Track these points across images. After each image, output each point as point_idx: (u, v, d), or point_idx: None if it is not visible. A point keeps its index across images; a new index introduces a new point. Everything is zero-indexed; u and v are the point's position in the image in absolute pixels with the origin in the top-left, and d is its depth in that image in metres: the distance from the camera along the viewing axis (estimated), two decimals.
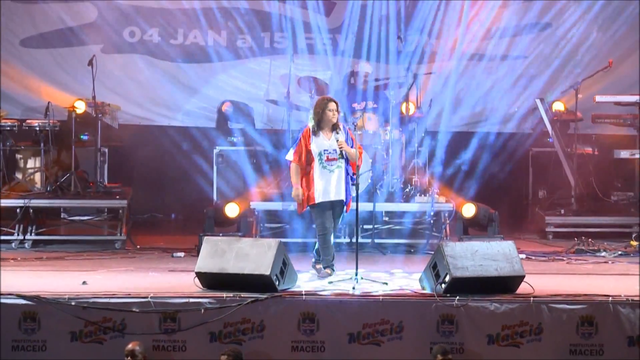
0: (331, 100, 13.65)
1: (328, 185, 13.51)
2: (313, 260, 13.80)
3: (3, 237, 15.74)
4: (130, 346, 11.87)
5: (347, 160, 13.51)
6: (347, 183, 13.56)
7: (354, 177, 13.45)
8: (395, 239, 15.70)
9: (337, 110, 13.57)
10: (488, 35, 18.45)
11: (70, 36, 18.41)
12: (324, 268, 13.58)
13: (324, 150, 13.50)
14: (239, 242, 12.92)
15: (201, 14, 18.39)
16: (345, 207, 13.64)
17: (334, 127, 13.55)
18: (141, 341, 11.97)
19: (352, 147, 13.51)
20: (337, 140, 13.48)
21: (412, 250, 15.34)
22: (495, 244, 12.95)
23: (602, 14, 18.13)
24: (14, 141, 16.98)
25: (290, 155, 13.53)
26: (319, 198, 13.49)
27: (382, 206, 15.71)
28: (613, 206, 17.41)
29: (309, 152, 13.46)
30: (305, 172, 13.57)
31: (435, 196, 16.06)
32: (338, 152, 13.46)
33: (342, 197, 13.51)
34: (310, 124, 13.57)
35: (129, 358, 11.84)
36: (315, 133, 13.51)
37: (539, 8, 18.42)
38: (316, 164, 13.52)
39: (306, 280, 13.24)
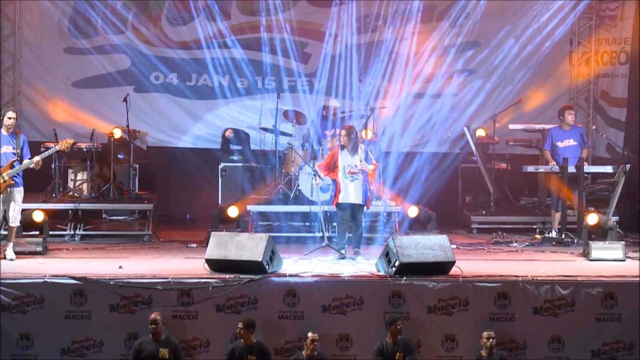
0: (342, 128, 14.46)
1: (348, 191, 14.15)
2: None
3: (58, 232, 15.68)
4: (153, 316, 11.91)
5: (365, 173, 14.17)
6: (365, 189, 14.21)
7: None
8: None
9: (348, 135, 14.17)
10: (427, 78, 18.42)
11: (110, 79, 18.31)
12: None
13: (347, 165, 14.07)
14: (238, 236, 12.94)
15: (209, 63, 18.33)
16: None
17: (355, 148, 14.16)
18: (162, 312, 11.98)
19: (370, 164, 14.20)
20: (361, 161, 14.12)
21: (370, 242, 15.28)
22: (433, 237, 13.02)
23: (513, 63, 18.16)
24: (67, 159, 16.94)
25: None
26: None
27: None
28: (522, 208, 17.44)
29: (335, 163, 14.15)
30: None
31: (387, 201, 16.05)
32: (358, 168, 14.07)
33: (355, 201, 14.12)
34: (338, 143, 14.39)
35: (152, 325, 11.87)
36: (342, 149, 14.19)
37: (467, 57, 18.43)
38: (340, 174, 14.08)
39: (289, 265, 13.22)
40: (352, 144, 14.22)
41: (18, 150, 13.58)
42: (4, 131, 13.62)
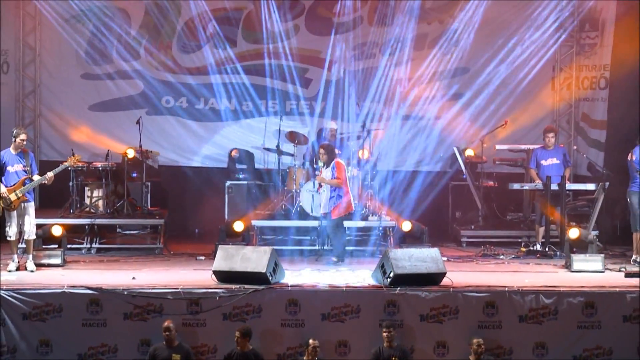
0: (320, 147, 15.07)
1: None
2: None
3: (76, 246, 15.71)
4: (166, 323, 11.94)
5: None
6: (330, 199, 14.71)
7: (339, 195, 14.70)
8: (355, 247, 15.66)
9: (322, 154, 14.86)
10: (420, 101, 18.48)
11: (124, 103, 18.38)
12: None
13: None
14: (244, 249, 12.99)
15: (217, 87, 18.42)
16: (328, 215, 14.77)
17: (328, 164, 14.82)
18: (173, 320, 12.02)
19: (333, 177, 14.68)
20: (317, 175, 14.81)
21: (366, 255, 15.26)
22: (425, 250, 13.05)
23: (499, 88, 18.22)
24: (84, 178, 17.00)
25: None
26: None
27: (347, 223, 15.59)
28: (508, 223, 17.45)
29: None
30: None
31: (383, 216, 16.08)
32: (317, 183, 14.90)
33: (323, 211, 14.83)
34: None
35: (166, 332, 11.90)
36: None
37: (457, 82, 18.47)
38: None
39: (291, 276, 13.24)
40: (326, 161, 14.83)
41: (28, 168, 13.78)
42: (13, 151, 13.80)
